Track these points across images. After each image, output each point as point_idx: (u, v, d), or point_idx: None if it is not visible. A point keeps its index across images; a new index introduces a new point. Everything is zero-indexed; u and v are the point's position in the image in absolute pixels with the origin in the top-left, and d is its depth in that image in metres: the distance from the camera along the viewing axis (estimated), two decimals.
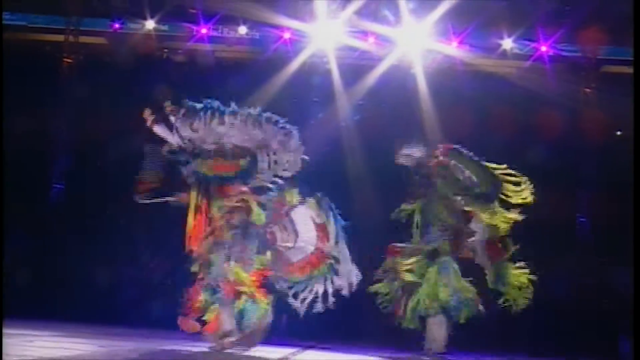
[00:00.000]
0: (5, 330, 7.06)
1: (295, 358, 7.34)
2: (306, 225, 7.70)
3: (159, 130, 7.64)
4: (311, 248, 7.69)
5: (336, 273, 7.72)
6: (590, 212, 13.54)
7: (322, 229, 7.71)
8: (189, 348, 7.35)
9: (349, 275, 7.75)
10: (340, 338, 10.26)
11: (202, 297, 7.44)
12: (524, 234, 8.99)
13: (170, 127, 7.63)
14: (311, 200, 7.78)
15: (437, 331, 8.54)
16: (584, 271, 12.59)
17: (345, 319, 10.83)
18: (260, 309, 7.34)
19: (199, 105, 7.58)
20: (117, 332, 8.69)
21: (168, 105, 7.61)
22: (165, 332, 8.95)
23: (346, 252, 7.80)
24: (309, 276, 7.66)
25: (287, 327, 8.99)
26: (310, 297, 7.64)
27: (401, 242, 8.96)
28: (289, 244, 7.67)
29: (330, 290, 7.65)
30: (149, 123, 7.64)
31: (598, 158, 13.53)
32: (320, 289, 7.65)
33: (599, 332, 11.44)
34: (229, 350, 7.26)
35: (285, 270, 7.67)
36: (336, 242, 7.72)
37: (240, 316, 7.41)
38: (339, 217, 7.81)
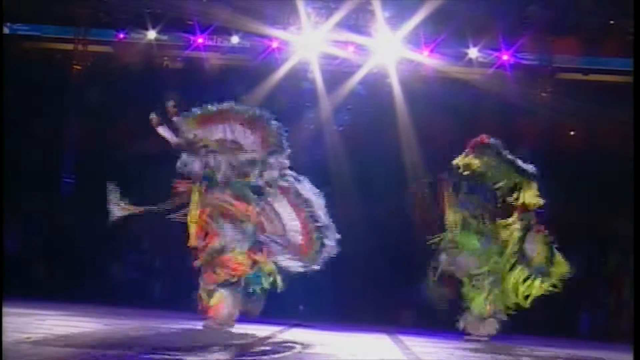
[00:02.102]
0: (20, 310, 7.09)
1: (282, 335, 7.36)
2: (287, 211, 7.65)
3: (162, 130, 7.57)
4: (299, 237, 7.66)
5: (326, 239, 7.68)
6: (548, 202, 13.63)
7: (298, 205, 7.67)
8: (187, 326, 7.37)
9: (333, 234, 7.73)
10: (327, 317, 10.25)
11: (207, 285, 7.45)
12: None
13: (172, 128, 7.60)
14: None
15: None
16: None
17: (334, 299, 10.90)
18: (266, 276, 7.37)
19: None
20: (121, 312, 8.69)
21: (170, 108, 7.56)
22: (165, 312, 8.97)
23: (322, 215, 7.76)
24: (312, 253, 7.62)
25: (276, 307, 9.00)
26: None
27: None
28: (279, 233, 7.62)
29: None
30: (154, 124, 7.57)
31: (553, 154, 13.62)
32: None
33: (559, 310, 11.49)
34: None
35: (297, 251, 7.58)
36: (312, 213, 7.67)
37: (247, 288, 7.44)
38: (310, 186, 7.77)
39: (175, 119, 7.53)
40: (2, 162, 9.21)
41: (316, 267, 7.59)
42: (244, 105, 7.96)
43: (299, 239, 7.63)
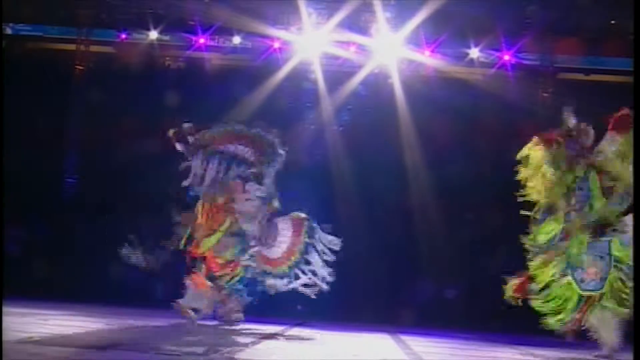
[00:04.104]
0: (22, 310, 7.10)
1: (285, 334, 7.37)
2: (284, 228, 7.91)
3: (179, 146, 7.87)
4: (284, 246, 7.86)
5: (307, 263, 7.92)
6: None
7: (297, 227, 7.89)
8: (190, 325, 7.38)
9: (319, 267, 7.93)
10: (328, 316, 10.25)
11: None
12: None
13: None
14: (294, 214, 8.08)
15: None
16: None
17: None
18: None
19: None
20: (124, 311, 8.70)
21: (187, 129, 7.85)
22: (168, 311, 8.98)
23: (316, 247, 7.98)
24: (289, 266, 7.86)
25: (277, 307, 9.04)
26: (298, 283, 7.86)
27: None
28: (270, 243, 7.94)
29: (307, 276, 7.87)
30: (172, 140, 7.90)
31: None
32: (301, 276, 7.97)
33: None
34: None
35: (267, 265, 7.90)
36: (308, 237, 7.91)
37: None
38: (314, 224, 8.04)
39: (190, 138, 7.82)
40: (3, 162, 9.21)
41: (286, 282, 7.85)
42: (241, 124, 8.23)
43: (284, 248, 7.85)
